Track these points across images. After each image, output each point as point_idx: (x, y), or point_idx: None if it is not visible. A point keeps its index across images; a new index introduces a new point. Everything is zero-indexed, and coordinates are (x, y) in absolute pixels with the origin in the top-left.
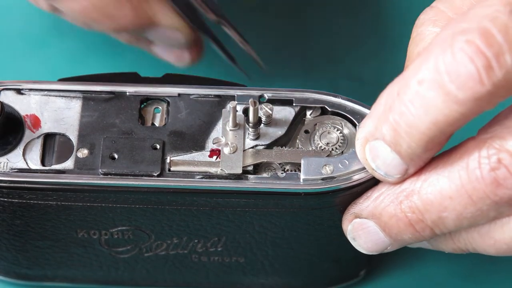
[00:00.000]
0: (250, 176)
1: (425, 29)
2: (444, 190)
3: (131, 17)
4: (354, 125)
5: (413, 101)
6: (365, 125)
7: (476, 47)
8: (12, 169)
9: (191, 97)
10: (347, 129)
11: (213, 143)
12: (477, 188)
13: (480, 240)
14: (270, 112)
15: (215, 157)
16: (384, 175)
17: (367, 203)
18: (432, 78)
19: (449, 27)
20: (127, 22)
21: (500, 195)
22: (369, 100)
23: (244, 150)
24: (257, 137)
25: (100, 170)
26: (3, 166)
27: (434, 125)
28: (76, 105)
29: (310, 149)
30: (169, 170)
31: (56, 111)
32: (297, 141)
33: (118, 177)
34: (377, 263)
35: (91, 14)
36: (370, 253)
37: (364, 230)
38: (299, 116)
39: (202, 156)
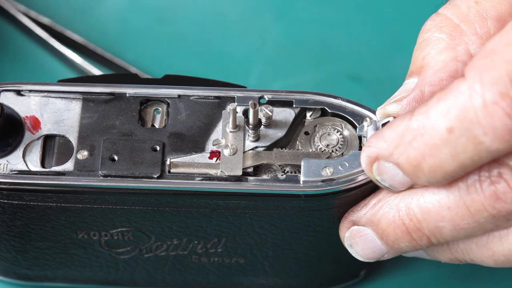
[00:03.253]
0: (250, 178)
1: (431, 35)
2: (442, 200)
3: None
4: (355, 127)
5: (441, 148)
6: (376, 145)
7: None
8: (12, 171)
9: (191, 98)
10: (347, 131)
11: (213, 145)
12: (475, 200)
13: (478, 251)
14: (270, 114)
15: (215, 158)
16: (388, 187)
17: (365, 210)
18: (462, 127)
19: (475, 70)
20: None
21: (498, 208)
22: (369, 100)
23: (244, 152)
24: (257, 138)
25: (100, 172)
26: (3, 168)
27: (461, 168)
28: (76, 107)
29: (310, 150)
30: (169, 172)
31: (56, 113)
32: (297, 142)
33: (118, 179)
34: (377, 263)
35: None
36: (367, 261)
37: (361, 237)
38: (299, 118)
39: (202, 157)
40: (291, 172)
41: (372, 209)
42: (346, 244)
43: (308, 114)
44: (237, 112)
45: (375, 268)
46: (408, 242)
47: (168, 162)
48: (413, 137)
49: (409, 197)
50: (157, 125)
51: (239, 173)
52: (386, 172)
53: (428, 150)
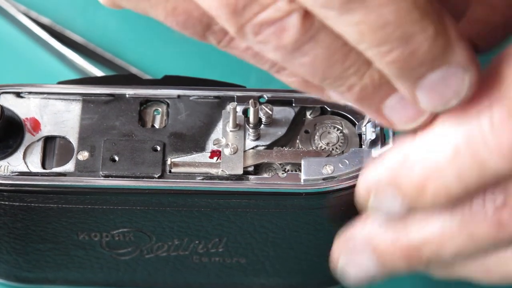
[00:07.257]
0: (251, 177)
1: None
2: (445, 227)
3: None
4: (354, 125)
5: (446, 169)
6: (377, 170)
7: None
8: (12, 172)
9: (191, 98)
10: (347, 129)
11: (214, 144)
12: (479, 228)
13: (473, 269)
14: (270, 113)
15: (215, 158)
16: (385, 216)
17: (362, 232)
18: (469, 148)
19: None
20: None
21: (501, 236)
22: None
23: (244, 151)
24: (258, 137)
25: (100, 173)
26: (4, 170)
27: (465, 191)
28: (76, 108)
29: (311, 149)
30: (170, 171)
31: (56, 114)
32: (298, 141)
33: (119, 179)
34: None
35: None
36: (360, 283)
37: (356, 259)
38: (299, 116)
39: (202, 157)
40: (292, 171)
41: (369, 231)
42: (339, 265)
43: (308, 112)
44: (237, 112)
45: None
46: (405, 266)
47: (168, 162)
48: (416, 159)
49: (409, 222)
50: (157, 126)
51: (240, 172)
52: (385, 201)
53: (433, 172)
